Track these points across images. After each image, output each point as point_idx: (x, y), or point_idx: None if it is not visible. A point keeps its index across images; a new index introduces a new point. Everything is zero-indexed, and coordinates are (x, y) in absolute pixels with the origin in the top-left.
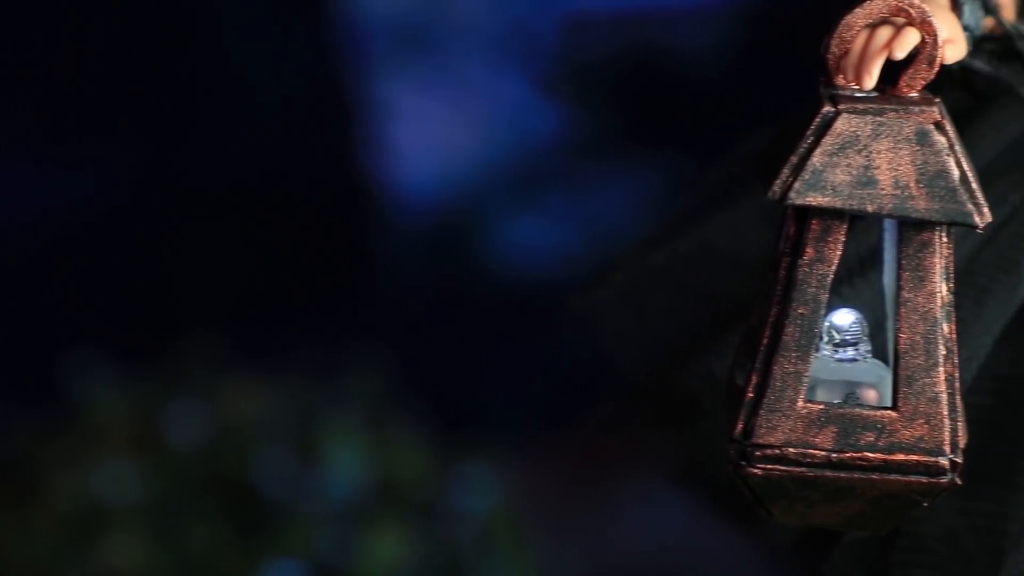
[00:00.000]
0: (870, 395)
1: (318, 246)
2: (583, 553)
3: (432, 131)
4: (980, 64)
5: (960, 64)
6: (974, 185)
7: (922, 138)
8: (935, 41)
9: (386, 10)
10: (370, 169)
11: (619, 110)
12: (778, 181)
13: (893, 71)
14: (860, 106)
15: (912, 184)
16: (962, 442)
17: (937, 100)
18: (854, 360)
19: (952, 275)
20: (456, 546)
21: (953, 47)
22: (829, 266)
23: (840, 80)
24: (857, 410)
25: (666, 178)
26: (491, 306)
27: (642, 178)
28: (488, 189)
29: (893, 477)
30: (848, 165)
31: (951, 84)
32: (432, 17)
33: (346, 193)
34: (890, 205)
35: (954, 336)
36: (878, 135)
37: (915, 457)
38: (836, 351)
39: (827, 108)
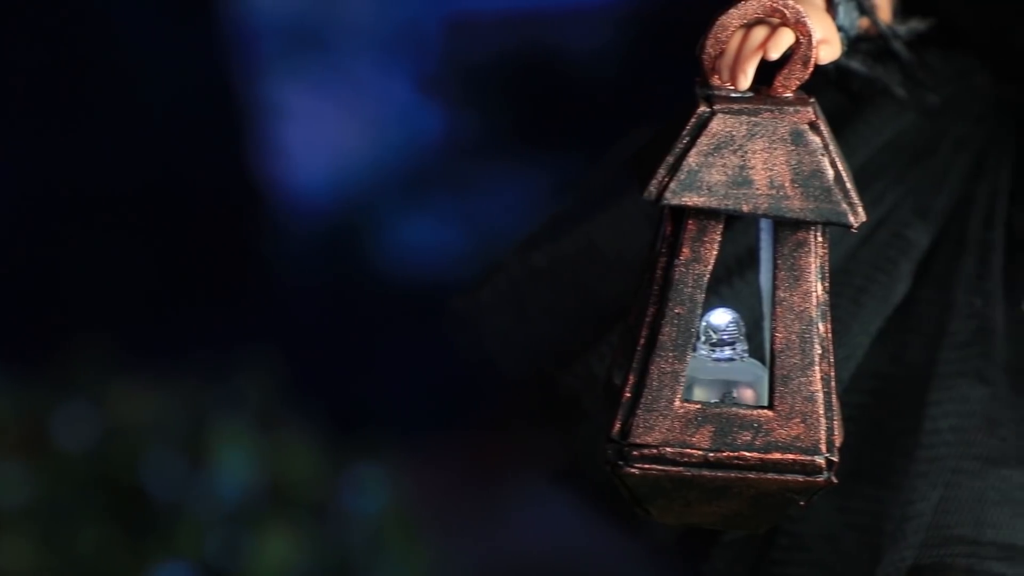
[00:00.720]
0: (747, 394)
1: (208, 247)
2: (475, 552)
3: (322, 132)
4: (856, 64)
5: (836, 64)
6: (848, 185)
7: (797, 138)
8: (809, 41)
9: (276, 11)
10: (259, 170)
11: (509, 110)
12: (654, 181)
13: (768, 71)
14: (735, 106)
15: (787, 184)
16: (838, 441)
17: (812, 100)
18: (731, 360)
19: (828, 274)
20: (347, 547)
21: (828, 47)
22: (705, 266)
23: (715, 80)
24: (734, 409)
25: (556, 178)
26: (381, 307)
27: (533, 178)
28: (378, 190)
29: (770, 476)
30: (723, 165)
31: (827, 84)
32: (322, 18)
33: (236, 194)
34: (765, 205)
35: (830, 335)
36: (753, 135)
37: (791, 456)
38: (713, 351)
39: (702, 108)
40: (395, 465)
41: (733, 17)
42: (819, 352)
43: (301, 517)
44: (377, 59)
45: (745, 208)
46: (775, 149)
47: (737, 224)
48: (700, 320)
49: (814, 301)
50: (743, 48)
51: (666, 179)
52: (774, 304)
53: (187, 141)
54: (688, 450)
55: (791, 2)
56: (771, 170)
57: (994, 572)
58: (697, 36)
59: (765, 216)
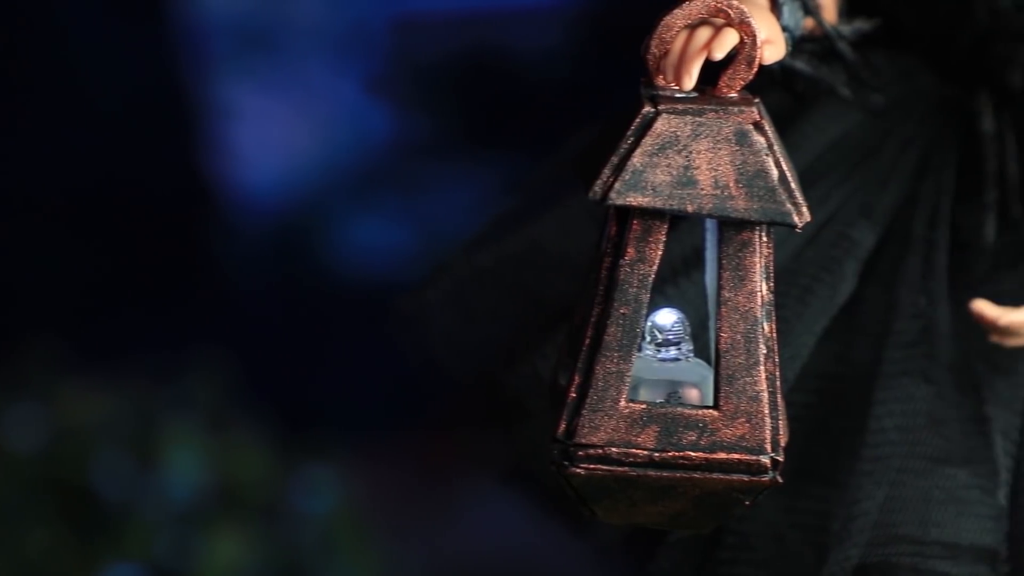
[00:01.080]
0: (692, 394)
1: (157, 247)
2: (424, 552)
3: (272, 132)
4: (800, 65)
5: (780, 64)
6: (793, 185)
7: (741, 138)
8: (754, 42)
9: (225, 11)
10: (209, 170)
11: (459, 111)
12: (599, 181)
13: (713, 72)
14: (680, 107)
15: (732, 184)
16: (783, 440)
17: (756, 100)
18: (676, 360)
19: (772, 274)
20: (298, 548)
21: (772, 48)
22: (650, 266)
23: (660, 81)
24: (679, 409)
25: (506, 178)
26: (332, 307)
27: (483, 178)
28: (328, 190)
29: (715, 476)
30: (668, 165)
31: (772, 84)
32: (271, 18)
33: (185, 194)
34: (710, 205)
35: (775, 335)
36: (698, 135)
37: (736, 456)
38: (658, 351)
39: (647, 108)
40: (345, 465)
41: (678, 17)
42: (764, 352)
43: (251, 518)
44: (327, 59)
45: (690, 208)
46: (720, 149)
47: (683, 223)
48: (645, 320)
49: (759, 301)
50: (687, 48)
51: (611, 179)
52: (719, 304)
53: (137, 141)
54: (633, 450)
55: (735, 2)
56: (716, 170)
57: (939, 571)
58: (643, 36)
59: (710, 216)
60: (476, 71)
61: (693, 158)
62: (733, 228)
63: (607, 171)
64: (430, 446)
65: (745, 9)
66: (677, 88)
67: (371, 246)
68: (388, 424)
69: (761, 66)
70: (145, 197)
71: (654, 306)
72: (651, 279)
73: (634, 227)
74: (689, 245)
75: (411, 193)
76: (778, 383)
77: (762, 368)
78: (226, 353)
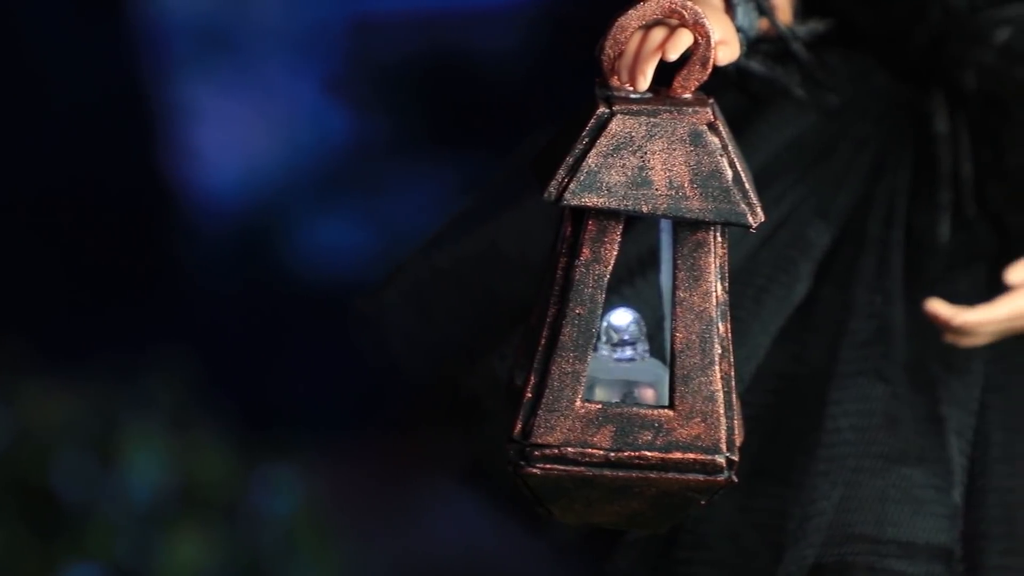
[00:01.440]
0: (648, 394)
1: (119, 248)
2: (385, 553)
3: (233, 133)
4: (755, 65)
5: (735, 65)
6: (747, 185)
7: (696, 139)
8: (708, 43)
9: (186, 12)
10: (170, 171)
11: (419, 111)
12: (554, 182)
13: (668, 72)
14: (634, 107)
15: (686, 184)
16: (739, 440)
17: (711, 101)
18: (632, 360)
19: (727, 274)
20: (259, 548)
21: (726, 48)
22: (606, 266)
23: (615, 81)
24: (635, 409)
25: (467, 179)
26: (293, 308)
27: (444, 179)
28: (289, 191)
29: (671, 475)
30: (623, 166)
31: (727, 85)
32: (232, 19)
33: (146, 195)
34: (665, 205)
35: (730, 335)
36: (652, 136)
37: (692, 455)
38: (614, 351)
39: (602, 109)
40: (306, 466)
41: (632, 18)
42: (719, 352)
43: (212, 518)
44: (287, 61)
45: (645, 209)
46: (674, 150)
47: (640, 224)
48: (601, 320)
49: (714, 301)
50: (642, 49)
51: (566, 180)
52: (674, 304)
53: (97, 142)
54: (589, 450)
55: (689, 3)
56: (670, 171)
57: (895, 570)
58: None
59: (664, 217)
60: (436, 72)
61: (648, 158)
62: (688, 228)
63: (562, 172)
64: (390, 446)
65: (699, 10)
66: (632, 89)
67: (332, 247)
68: (349, 424)
69: (715, 67)
70: (106, 198)
71: (610, 306)
72: (606, 279)
73: (589, 227)
74: (645, 245)
75: (372, 194)
76: (733, 383)
77: (717, 368)
78: (187, 353)
